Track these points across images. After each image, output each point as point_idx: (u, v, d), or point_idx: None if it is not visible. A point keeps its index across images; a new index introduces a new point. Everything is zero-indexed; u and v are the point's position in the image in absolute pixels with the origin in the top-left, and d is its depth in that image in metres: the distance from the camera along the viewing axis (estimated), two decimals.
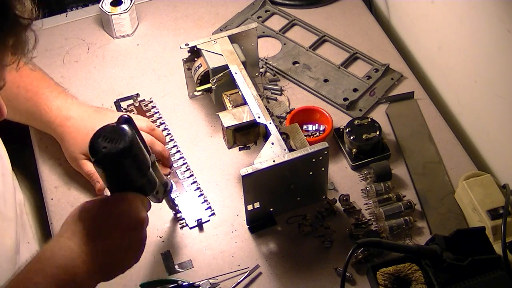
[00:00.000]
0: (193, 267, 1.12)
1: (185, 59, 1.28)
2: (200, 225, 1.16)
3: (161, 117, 1.33)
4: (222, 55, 1.23)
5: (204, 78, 1.25)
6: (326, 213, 1.17)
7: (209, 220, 1.17)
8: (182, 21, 1.52)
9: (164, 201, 1.11)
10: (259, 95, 1.17)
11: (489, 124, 1.25)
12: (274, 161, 1.07)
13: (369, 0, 1.58)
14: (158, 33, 1.50)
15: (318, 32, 1.48)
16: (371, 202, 1.18)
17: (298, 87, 1.38)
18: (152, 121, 1.31)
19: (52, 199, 1.22)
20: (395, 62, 1.41)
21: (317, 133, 1.28)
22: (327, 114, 1.27)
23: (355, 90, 1.36)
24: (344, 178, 1.23)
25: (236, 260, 1.12)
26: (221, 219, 1.18)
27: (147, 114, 1.33)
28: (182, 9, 1.55)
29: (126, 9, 1.45)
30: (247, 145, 1.17)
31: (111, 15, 1.44)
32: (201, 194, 1.20)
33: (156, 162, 1.02)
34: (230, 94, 1.20)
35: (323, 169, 1.13)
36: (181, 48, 1.26)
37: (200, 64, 1.25)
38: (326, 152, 1.10)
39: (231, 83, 1.21)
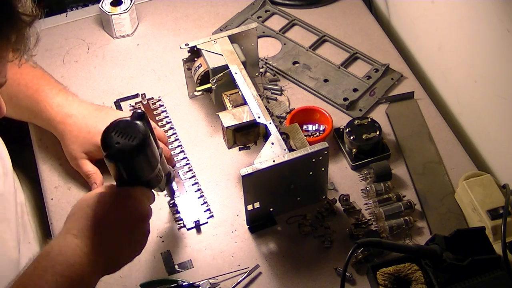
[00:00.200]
0: (193, 267, 1.12)
1: (185, 59, 1.28)
2: (197, 226, 1.16)
3: (168, 116, 1.33)
4: (222, 55, 1.23)
5: (204, 78, 1.25)
6: (326, 213, 1.17)
7: (207, 222, 1.17)
8: (182, 21, 1.52)
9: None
10: (259, 95, 1.17)
11: (489, 124, 1.25)
12: (274, 161, 1.07)
13: (369, 0, 1.58)
14: (158, 33, 1.50)
15: (318, 32, 1.48)
16: (371, 202, 1.18)
17: (298, 87, 1.38)
18: (159, 120, 1.31)
19: (52, 199, 1.22)
20: (395, 62, 1.41)
21: (317, 133, 1.28)
22: (327, 114, 1.27)
23: (355, 90, 1.36)
24: (344, 178, 1.23)
25: (236, 260, 1.12)
26: (221, 219, 1.18)
27: (154, 112, 1.33)
28: (182, 9, 1.55)
29: (126, 9, 1.45)
30: (247, 145, 1.17)
31: (111, 15, 1.44)
32: (201, 196, 1.20)
33: (162, 155, 1.03)
34: (230, 94, 1.20)
35: (323, 169, 1.13)
36: (181, 48, 1.26)
37: (200, 64, 1.25)
38: (326, 152, 1.10)
39: (231, 83, 1.21)
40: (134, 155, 0.92)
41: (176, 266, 1.12)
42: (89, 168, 1.18)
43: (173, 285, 1.08)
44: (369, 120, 1.24)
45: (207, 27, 1.50)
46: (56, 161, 1.26)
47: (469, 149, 1.28)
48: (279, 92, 1.36)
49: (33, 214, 1.29)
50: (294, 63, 1.42)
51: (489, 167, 1.26)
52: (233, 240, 1.15)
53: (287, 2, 1.54)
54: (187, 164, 1.25)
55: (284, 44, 1.46)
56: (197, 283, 1.08)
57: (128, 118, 0.94)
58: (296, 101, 1.35)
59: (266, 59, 1.42)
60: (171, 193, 1.19)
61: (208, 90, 1.26)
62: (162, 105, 1.34)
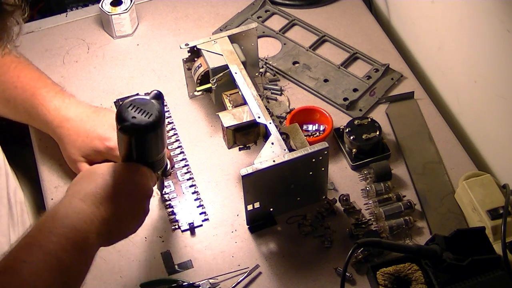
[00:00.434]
0: (193, 267, 1.12)
1: (185, 59, 1.28)
2: (192, 229, 1.16)
3: (170, 116, 1.32)
4: (222, 55, 1.23)
5: (204, 78, 1.25)
6: (326, 213, 1.17)
7: (201, 225, 1.17)
8: (182, 21, 1.52)
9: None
10: (259, 95, 1.17)
11: (489, 124, 1.25)
12: (274, 161, 1.07)
13: (369, 0, 1.58)
14: (158, 33, 1.50)
15: (318, 32, 1.48)
16: (371, 202, 1.18)
17: (298, 87, 1.38)
18: None
19: (52, 199, 1.22)
20: (395, 62, 1.41)
21: (317, 133, 1.28)
22: (327, 114, 1.27)
23: (355, 90, 1.36)
24: (344, 178, 1.23)
25: (236, 260, 1.12)
26: (221, 219, 1.18)
27: None
28: (182, 9, 1.55)
29: (126, 9, 1.45)
30: (247, 145, 1.17)
31: (111, 15, 1.44)
32: (198, 198, 1.20)
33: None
34: (230, 94, 1.20)
35: (323, 169, 1.13)
36: (181, 48, 1.26)
37: (200, 64, 1.25)
38: (326, 152, 1.10)
39: (231, 83, 1.21)
40: (148, 130, 0.93)
41: (176, 266, 1.12)
42: None
43: (173, 285, 1.08)
44: (369, 120, 1.24)
45: (207, 27, 1.50)
46: (56, 161, 1.26)
47: (469, 149, 1.28)
48: (279, 92, 1.36)
49: (33, 214, 1.29)
50: (294, 63, 1.42)
51: (489, 167, 1.26)
52: (233, 240, 1.15)
53: (287, 2, 1.54)
54: (186, 165, 1.25)
55: (284, 44, 1.46)
56: (197, 283, 1.08)
57: (146, 96, 0.96)
58: (296, 101, 1.35)
59: (266, 59, 1.42)
60: (161, 187, 1.19)
61: (208, 90, 1.26)
62: (166, 105, 1.34)
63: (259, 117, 1.13)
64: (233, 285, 1.08)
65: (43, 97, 1.19)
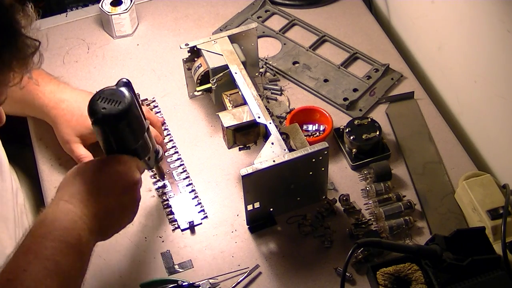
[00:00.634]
0: (193, 267, 1.12)
1: (185, 59, 1.28)
2: (192, 227, 1.16)
3: (162, 117, 1.33)
4: (222, 55, 1.23)
5: (204, 78, 1.25)
6: (326, 213, 1.17)
7: (201, 223, 1.17)
8: (182, 21, 1.52)
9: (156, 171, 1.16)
10: (259, 95, 1.17)
11: (489, 124, 1.25)
12: (274, 161, 1.07)
13: (369, 0, 1.58)
14: (158, 33, 1.50)
15: (318, 32, 1.48)
16: (371, 202, 1.18)
17: (298, 87, 1.38)
18: None
19: (52, 199, 1.22)
20: (395, 62, 1.41)
21: (317, 133, 1.28)
22: (327, 114, 1.27)
23: (355, 90, 1.36)
24: (344, 178, 1.23)
25: (236, 260, 1.12)
26: (221, 219, 1.18)
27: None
28: (182, 9, 1.55)
29: (126, 9, 1.45)
30: (247, 145, 1.17)
31: (111, 15, 1.44)
32: (196, 197, 1.20)
33: (149, 128, 1.05)
34: (230, 94, 1.20)
35: (323, 169, 1.13)
36: (181, 48, 1.26)
37: (200, 64, 1.25)
38: (326, 152, 1.10)
39: (231, 83, 1.21)
40: (120, 118, 0.95)
41: (176, 266, 1.12)
42: (82, 152, 1.18)
43: (173, 285, 1.08)
44: (369, 120, 1.24)
45: (207, 27, 1.50)
46: (56, 161, 1.26)
47: (469, 149, 1.28)
48: (279, 92, 1.36)
49: (33, 214, 1.29)
50: (294, 63, 1.42)
51: (489, 167, 1.26)
52: (233, 240, 1.15)
53: (287, 2, 1.54)
54: (181, 165, 1.25)
55: (284, 44, 1.46)
56: (197, 283, 1.08)
57: (114, 86, 0.98)
58: (296, 101, 1.35)
59: (266, 59, 1.42)
60: (161, 174, 1.19)
61: (208, 90, 1.26)
62: (157, 106, 1.34)
63: (259, 117, 1.13)
64: (233, 285, 1.08)
65: (38, 82, 1.19)
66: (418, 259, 1.05)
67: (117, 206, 0.96)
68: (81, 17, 1.54)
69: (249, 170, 1.06)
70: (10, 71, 0.82)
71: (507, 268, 1.03)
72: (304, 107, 1.30)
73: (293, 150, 1.10)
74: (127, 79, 0.99)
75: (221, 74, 1.22)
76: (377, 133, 1.23)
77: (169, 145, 1.28)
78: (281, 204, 1.16)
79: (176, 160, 1.25)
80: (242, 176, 1.05)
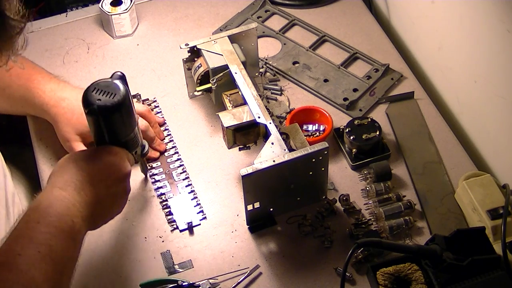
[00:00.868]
0: (193, 267, 1.12)
1: (185, 59, 1.28)
2: (190, 228, 1.16)
3: (163, 117, 1.33)
4: (222, 55, 1.23)
5: (204, 78, 1.25)
6: (326, 213, 1.17)
7: (199, 224, 1.17)
8: (182, 21, 1.52)
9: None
10: (259, 95, 1.17)
11: (489, 124, 1.25)
12: (274, 161, 1.07)
13: (369, 0, 1.58)
14: (158, 33, 1.50)
15: (318, 32, 1.48)
16: (371, 202, 1.18)
17: (298, 87, 1.38)
18: None
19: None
20: (395, 62, 1.41)
21: (317, 133, 1.28)
22: (327, 114, 1.27)
23: (355, 90, 1.36)
24: (344, 178, 1.23)
25: (236, 260, 1.12)
26: (221, 219, 1.18)
27: None
28: (182, 9, 1.55)
29: (126, 9, 1.45)
30: (247, 145, 1.17)
31: (111, 15, 1.44)
32: (195, 197, 1.20)
33: (138, 123, 1.07)
34: (230, 94, 1.20)
35: (323, 169, 1.13)
36: (181, 48, 1.26)
37: (200, 64, 1.25)
38: (326, 152, 1.10)
39: (231, 83, 1.21)
40: (114, 110, 0.97)
41: (176, 266, 1.12)
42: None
43: (173, 285, 1.08)
44: (369, 120, 1.24)
45: (207, 27, 1.50)
46: (56, 161, 1.25)
47: (469, 149, 1.28)
48: (279, 92, 1.36)
49: None
50: (294, 63, 1.42)
51: (489, 167, 1.26)
52: (233, 240, 1.15)
53: (287, 2, 1.54)
54: (181, 165, 1.24)
55: (284, 44, 1.46)
56: (197, 283, 1.08)
57: (109, 79, 1.00)
58: (296, 101, 1.35)
59: (266, 59, 1.42)
60: (145, 169, 1.21)
61: (208, 90, 1.26)
62: (158, 106, 1.34)
63: (259, 117, 1.13)
64: (233, 285, 1.08)
65: (38, 81, 1.21)
66: (418, 259, 1.05)
67: (108, 196, 0.98)
68: (81, 17, 1.54)
69: (249, 170, 1.06)
70: None
71: (507, 268, 1.03)
72: (304, 107, 1.30)
73: (293, 150, 1.10)
74: (121, 72, 1.01)
75: (221, 74, 1.22)
76: (377, 133, 1.23)
77: (169, 145, 1.28)
78: (281, 204, 1.16)
79: (176, 161, 1.25)
80: (242, 176, 1.05)
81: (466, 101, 1.31)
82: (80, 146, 1.19)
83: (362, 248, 1.09)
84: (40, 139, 1.30)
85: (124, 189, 1.02)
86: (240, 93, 1.18)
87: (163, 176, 1.23)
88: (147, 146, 1.13)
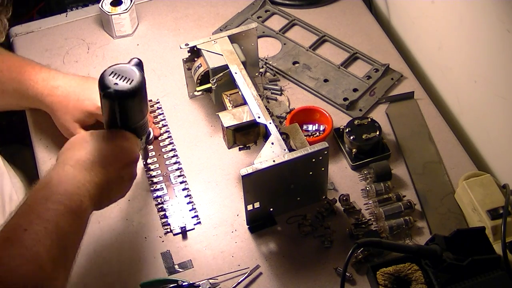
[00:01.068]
0: (193, 267, 1.12)
1: (185, 59, 1.28)
2: (184, 232, 1.16)
3: (164, 119, 1.32)
4: (222, 55, 1.23)
5: (204, 78, 1.25)
6: (326, 213, 1.17)
7: (193, 229, 1.16)
8: (182, 21, 1.52)
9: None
10: (259, 95, 1.17)
11: (489, 124, 1.25)
12: (274, 161, 1.07)
13: (369, 0, 1.58)
14: (158, 33, 1.50)
15: (318, 32, 1.48)
16: (371, 202, 1.18)
17: (298, 87, 1.38)
18: (155, 122, 1.31)
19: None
20: (395, 62, 1.41)
21: (317, 133, 1.28)
22: (327, 114, 1.27)
23: (355, 90, 1.36)
24: (344, 178, 1.23)
25: (236, 260, 1.12)
26: (221, 219, 1.18)
27: (152, 115, 1.33)
28: (182, 9, 1.55)
29: (126, 9, 1.45)
30: (247, 145, 1.17)
31: (111, 15, 1.44)
32: (190, 202, 1.20)
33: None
34: (230, 94, 1.20)
35: (323, 169, 1.13)
36: (181, 48, 1.26)
37: (200, 64, 1.25)
38: (326, 152, 1.10)
39: (231, 83, 1.21)
40: (130, 95, 0.98)
41: (176, 266, 1.12)
42: None
43: (173, 285, 1.08)
44: (369, 120, 1.24)
45: (207, 27, 1.50)
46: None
47: (469, 149, 1.28)
48: (279, 92, 1.36)
49: None
50: (294, 63, 1.42)
51: (489, 167, 1.26)
52: (233, 240, 1.15)
53: (287, 2, 1.54)
54: (179, 169, 1.24)
55: (284, 44, 1.46)
56: (197, 283, 1.08)
57: (126, 64, 1.00)
58: (296, 101, 1.35)
59: (266, 59, 1.42)
60: (146, 156, 1.22)
61: (208, 90, 1.26)
62: (160, 108, 1.34)
63: (259, 117, 1.13)
64: (233, 286, 1.08)
65: (29, 73, 1.21)
66: (418, 259, 1.05)
67: (117, 179, 1.00)
68: (81, 17, 1.54)
69: (249, 170, 1.06)
70: None
71: (507, 268, 1.03)
72: (304, 107, 1.30)
73: (293, 150, 1.10)
74: (139, 59, 1.02)
75: (221, 74, 1.22)
76: (377, 133, 1.23)
77: (169, 147, 1.28)
78: (281, 204, 1.16)
79: (174, 164, 1.25)
80: (242, 176, 1.05)
81: (466, 101, 1.31)
82: (80, 132, 1.19)
83: (362, 248, 1.09)
84: (40, 139, 1.30)
85: (131, 174, 1.04)
86: (240, 93, 1.18)
87: (161, 178, 1.23)
88: (152, 134, 1.14)
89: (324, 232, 1.14)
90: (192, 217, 1.18)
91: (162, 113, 1.33)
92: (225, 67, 1.22)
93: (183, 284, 1.08)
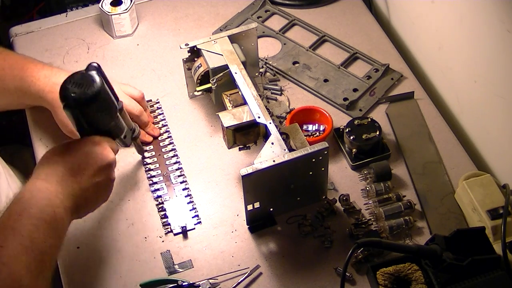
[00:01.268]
0: (193, 267, 1.12)
1: (185, 59, 1.28)
2: (184, 232, 1.16)
3: (164, 119, 1.32)
4: (222, 55, 1.23)
5: (204, 78, 1.25)
6: (326, 213, 1.17)
7: (194, 228, 1.16)
8: (182, 21, 1.52)
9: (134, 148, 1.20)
10: (259, 95, 1.17)
11: (489, 124, 1.25)
12: (274, 161, 1.07)
13: (369, 0, 1.58)
14: (158, 33, 1.50)
15: (318, 32, 1.48)
16: (371, 202, 1.18)
17: (298, 87, 1.38)
18: (155, 122, 1.31)
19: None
20: (395, 62, 1.41)
21: (317, 133, 1.28)
22: (327, 114, 1.27)
23: (355, 90, 1.36)
24: (344, 178, 1.23)
25: (236, 260, 1.12)
26: (221, 219, 1.18)
27: (152, 114, 1.33)
28: (182, 9, 1.55)
29: (126, 9, 1.45)
30: (247, 145, 1.17)
31: (111, 15, 1.44)
32: (191, 201, 1.20)
33: (123, 108, 1.08)
34: (230, 94, 1.20)
35: (323, 169, 1.13)
36: (181, 48, 1.26)
37: (200, 64, 1.25)
38: (326, 152, 1.10)
39: (231, 83, 1.21)
40: (90, 102, 0.99)
41: (176, 266, 1.12)
42: None
43: (173, 285, 1.08)
44: (369, 120, 1.24)
45: (207, 27, 1.50)
46: None
47: (469, 149, 1.28)
48: (279, 92, 1.36)
49: None
50: (294, 63, 1.42)
51: (489, 167, 1.26)
52: (233, 240, 1.15)
53: (287, 2, 1.54)
54: (179, 168, 1.24)
55: (284, 44, 1.46)
56: (197, 283, 1.08)
57: (84, 71, 1.01)
58: (296, 101, 1.35)
59: (266, 59, 1.42)
60: (141, 150, 1.23)
61: (208, 90, 1.26)
62: (160, 108, 1.34)
63: (259, 117, 1.13)
64: (233, 286, 1.08)
65: (31, 70, 1.21)
66: (418, 259, 1.05)
67: (92, 186, 1.00)
68: (81, 17, 1.54)
69: (249, 170, 1.06)
70: None
71: (507, 268, 1.03)
72: (304, 107, 1.30)
73: (293, 150, 1.10)
74: (97, 63, 1.02)
75: (221, 74, 1.22)
76: (377, 133, 1.23)
77: (169, 147, 1.28)
78: (281, 204, 1.16)
79: (174, 163, 1.25)
80: (242, 176, 1.05)
81: (466, 101, 1.31)
82: None
83: (362, 248, 1.09)
84: (40, 139, 1.30)
85: (108, 178, 1.04)
86: (240, 93, 1.18)
87: (161, 178, 1.23)
88: (137, 129, 1.14)
89: (324, 232, 1.14)
90: (193, 217, 1.18)
91: (162, 113, 1.33)
92: (225, 67, 1.22)
93: (183, 284, 1.08)
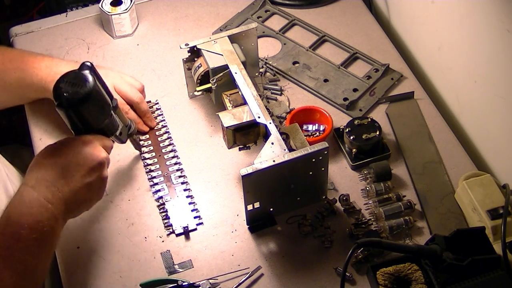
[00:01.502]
0: (193, 267, 1.12)
1: (185, 59, 1.28)
2: (186, 232, 1.16)
3: (164, 120, 1.32)
4: (222, 55, 1.23)
5: (204, 78, 1.25)
6: (326, 213, 1.17)
7: (196, 229, 1.16)
8: (182, 21, 1.52)
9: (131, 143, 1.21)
10: (259, 95, 1.17)
11: (489, 124, 1.25)
12: (274, 161, 1.07)
13: (369, 0, 1.58)
14: (158, 33, 1.50)
15: (318, 32, 1.48)
16: (371, 202, 1.18)
17: (298, 87, 1.38)
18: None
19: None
20: (395, 62, 1.41)
21: (317, 133, 1.28)
22: (327, 114, 1.27)
23: (355, 90, 1.36)
24: (344, 178, 1.23)
25: (236, 260, 1.12)
26: (221, 219, 1.18)
27: (152, 115, 1.33)
28: (182, 9, 1.55)
29: (126, 9, 1.45)
30: (247, 145, 1.17)
31: (111, 15, 1.44)
32: (192, 202, 1.20)
33: (118, 106, 1.09)
34: (230, 94, 1.20)
35: (323, 169, 1.13)
36: (181, 48, 1.26)
37: (200, 64, 1.25)
38: (326, 152, 1.10)
39: (231, 83, 1.21)
40: (82, 101, 0.99)
41: (176, 266, 1.12)
42: None
43: (173, 285, 1.08)
44: (369, 120, 1.24)
45: (207, 27, 1.50)
46: None
47: (469, 149, 1.28)
48: (279, 92, 1.36)
49: None
50: (294, 63, 1.42)
51: (489, 167, 1.26)
52: (233, 240, 1.15)
53: (287, 2, 1.54)
54: (179, 169, 1.24)
55: (284, 44, 1.46)
56: (197, 283, 1.08)
57: (77, 70, 1.02)
58: (296, 101, 1.35)
59: (266, 59, 1.42)
60: (138, 146, 1.24)
61: (208, 90, 1.26)
62: (159, 109, 1.34)
63: (259, 117, 1.13)
64: (234, 286, 1.08)
65: (32, 61, 1.22)
66: (418, 259, 1.05)
67: (83, 186, 1.00)
68: (81, 17, 1.54)
69: (249, 170, 1.06)
70: None
71: (507, 268, 1.03)
72: (304, 107, 1.30)
73: (293, 150, 1.10)
74: (90, 63, 1.03)
75: (221, 74, 1.22)
76: (377, 133, 1.23)
77: (169, 148, 1.28)
78: (281, 204, 1.16)
79: (175, 164, 1.25)
80: (242, 176, 1.05)
81: (466, 101, 1.31)
82: None
83: (362, 248, 1.09)
84: (40, 139, 1.30)
85: (100, 178, 1.03)
86: (240, 93, 1.18)
87: (162, 179, 1.23)
88: (133, 126, 1.15)
89: (324, 232, 1.14)
90: (194, 218, 1.18)
91: (162, 114, 1.33)
92: (225, 67, 1.22)
93: (183, 284, 1.08)
